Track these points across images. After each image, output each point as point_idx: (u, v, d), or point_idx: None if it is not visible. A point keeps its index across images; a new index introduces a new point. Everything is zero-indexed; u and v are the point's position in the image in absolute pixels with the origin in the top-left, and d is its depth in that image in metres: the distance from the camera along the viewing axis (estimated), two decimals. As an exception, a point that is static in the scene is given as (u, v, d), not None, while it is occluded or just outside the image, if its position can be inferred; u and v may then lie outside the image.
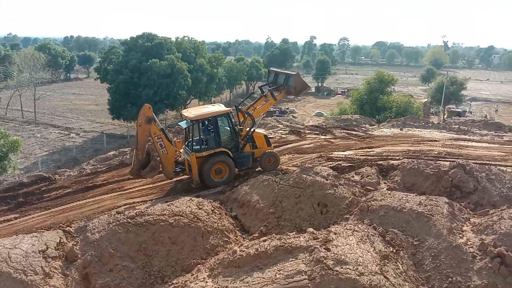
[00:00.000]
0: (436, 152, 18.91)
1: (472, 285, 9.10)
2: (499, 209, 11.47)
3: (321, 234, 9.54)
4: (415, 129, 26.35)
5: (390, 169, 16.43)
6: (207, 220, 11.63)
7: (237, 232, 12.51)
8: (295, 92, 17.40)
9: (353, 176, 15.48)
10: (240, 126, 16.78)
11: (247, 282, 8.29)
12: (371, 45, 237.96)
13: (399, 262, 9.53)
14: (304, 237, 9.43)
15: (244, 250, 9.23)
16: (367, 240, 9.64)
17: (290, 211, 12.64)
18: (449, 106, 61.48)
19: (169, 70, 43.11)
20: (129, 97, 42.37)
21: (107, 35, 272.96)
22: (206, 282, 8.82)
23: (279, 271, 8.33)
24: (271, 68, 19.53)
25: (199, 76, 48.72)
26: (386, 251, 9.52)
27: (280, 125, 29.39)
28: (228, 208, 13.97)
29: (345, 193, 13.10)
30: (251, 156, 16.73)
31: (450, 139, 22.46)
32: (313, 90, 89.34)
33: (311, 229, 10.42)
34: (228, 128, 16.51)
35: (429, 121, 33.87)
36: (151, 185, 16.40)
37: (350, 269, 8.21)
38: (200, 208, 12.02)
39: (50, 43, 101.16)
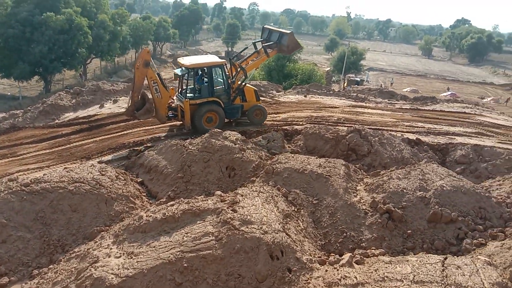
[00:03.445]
0: (335, 118, 20.12)
1: (364, 239, 10.02)
2: (389, 170, 12.63)
3: (228, 197, 9.73)
4: (318, 96, 27.55)
5: (294, 134, 17.21)
6: (111, 186, 11.23)
7: (144, 198, 12.31)
8: (288, 51, 18.29)
9: (260, 141, 15.93)
10: (232, 79, 17.38)
11: (154, 247, 8.24)
12: (279, 12, 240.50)
13: (300, 220, 10.15)
14: (212, 199, 9.53)
15: (150, 215, 9.11)
16: (272, 200, 10.07)
17: (199, 175, 12.70)
18: (349, 75, 64.94)
19: (66, 25, 39.41)
20: (20, 53, 38.18)
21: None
22: (111, 248, 8.58)
23: (186, 234, 8.39)
24: (265, 26, 20.12)
25: (100, 33, 45.35)
26: (288, 210, 10.05)
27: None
28: (134, 174, 13.63)
29: (252, 156, 13.49)
30: (241, 108, 17.68)
31: (349, 106, 23.95)
32: (223, 54, 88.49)
33: (219, 192, 10.59)
34: (221, 80, 17.16)
35: (330, 88, 35.56)
36: (48, 151, 15.31)
37: (255, 228, 8.55)
38: (103, 175, 11.54)
39: None
